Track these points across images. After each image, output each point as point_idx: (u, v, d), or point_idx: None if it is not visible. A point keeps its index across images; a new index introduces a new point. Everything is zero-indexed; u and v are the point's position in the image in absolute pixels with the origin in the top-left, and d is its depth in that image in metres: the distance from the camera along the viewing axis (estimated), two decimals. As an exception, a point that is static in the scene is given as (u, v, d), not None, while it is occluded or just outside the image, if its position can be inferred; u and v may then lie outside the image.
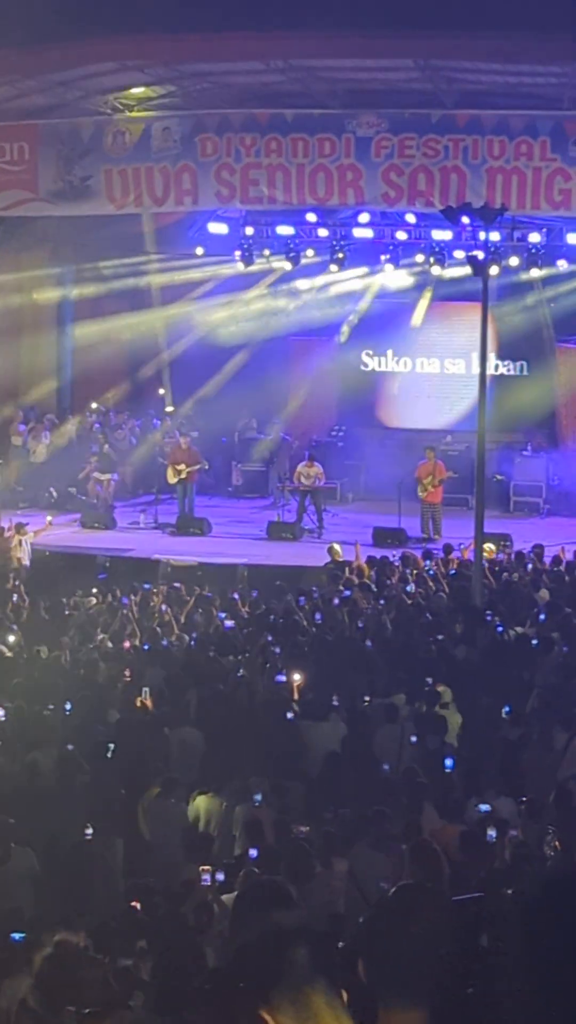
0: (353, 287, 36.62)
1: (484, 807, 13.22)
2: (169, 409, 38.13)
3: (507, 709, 16.83)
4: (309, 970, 3.82)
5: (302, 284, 36.63)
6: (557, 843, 11.69)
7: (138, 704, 17.18)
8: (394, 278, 36.03)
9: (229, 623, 21.49)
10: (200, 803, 14.58)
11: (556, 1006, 3.28)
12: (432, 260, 34.06)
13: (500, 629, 20.39)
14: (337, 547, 26.18)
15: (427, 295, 36.39)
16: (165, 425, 37.34)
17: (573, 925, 3.29)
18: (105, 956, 9.60)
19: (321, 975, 3.84)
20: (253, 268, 35.91)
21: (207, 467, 34.07)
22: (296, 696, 17.31)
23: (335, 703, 16.96)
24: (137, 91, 29.34)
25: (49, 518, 28.52)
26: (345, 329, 37.71)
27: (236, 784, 14.62)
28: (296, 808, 14.31)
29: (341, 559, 25.68)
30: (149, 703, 17.16)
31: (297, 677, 17.57)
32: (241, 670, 18.78)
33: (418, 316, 36.94)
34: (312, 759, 15.87)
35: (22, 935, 10.14)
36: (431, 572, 24.41)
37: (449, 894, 9.84)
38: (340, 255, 34.55)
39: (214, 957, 9.91)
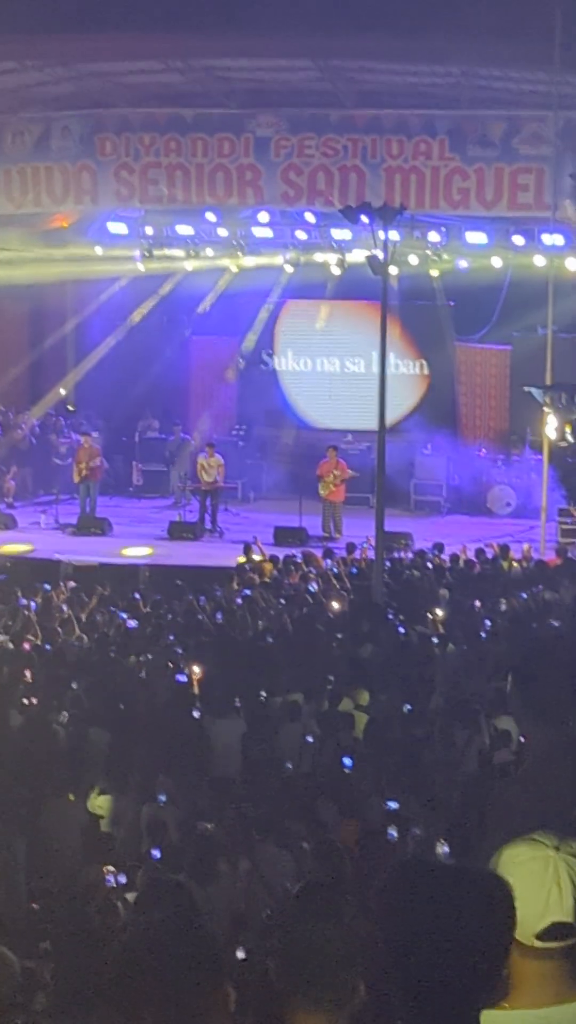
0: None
1: (392, 804, 13.26)
2: (70, 408, 37.98)
3: (408, 708, 16.93)
4: (191, 970, 3.82)
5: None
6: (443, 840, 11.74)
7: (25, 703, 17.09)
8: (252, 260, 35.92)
9: (132, 623, 21.43)
10: (103, 803, 14.51)
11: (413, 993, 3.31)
12: (332, 259, 34.28)
13: (402, 630, 20.49)
14: (252, 547, 26.23)
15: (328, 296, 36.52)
16: (57, 424, 37.18)
17: (422, 910, 3.32)
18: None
19: (204, 975, 3.84)
20: (153, 267, 35.89)
21: (106, 466, 34.06)
22: (197, 689, 17.32)
23: (237, 702, 16.98)
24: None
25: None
26: (231, 371, 37.85)
27: (140, 783, 14.57)
28: (201, 806, 14.29)
29: (255, 558, 25.76)
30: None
31: (196, 670, 17.59)
32: (143, 671, 18.75)
33: (322, 317, 37.04)
34: (216, 757, 15.87)
35: None
36: (333, 571, 24.47)
37: (351, 892, 9.87)
38: (240, 254, 34.57)
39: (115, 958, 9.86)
